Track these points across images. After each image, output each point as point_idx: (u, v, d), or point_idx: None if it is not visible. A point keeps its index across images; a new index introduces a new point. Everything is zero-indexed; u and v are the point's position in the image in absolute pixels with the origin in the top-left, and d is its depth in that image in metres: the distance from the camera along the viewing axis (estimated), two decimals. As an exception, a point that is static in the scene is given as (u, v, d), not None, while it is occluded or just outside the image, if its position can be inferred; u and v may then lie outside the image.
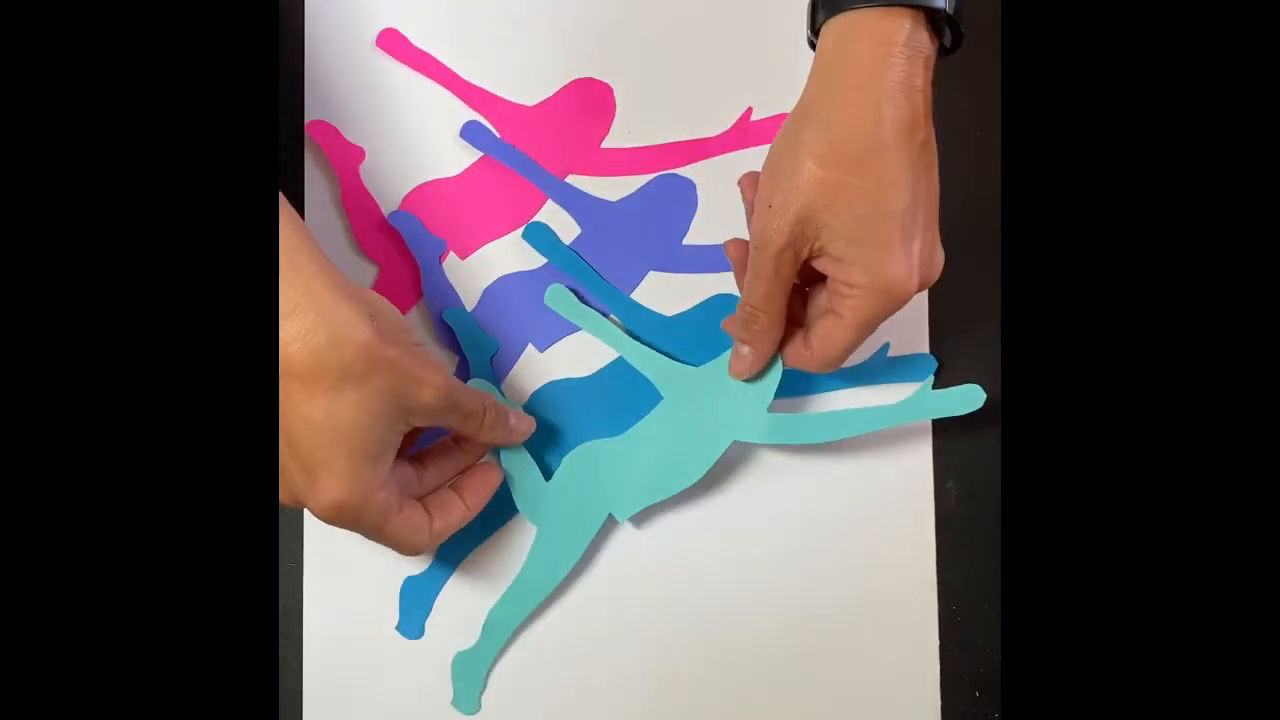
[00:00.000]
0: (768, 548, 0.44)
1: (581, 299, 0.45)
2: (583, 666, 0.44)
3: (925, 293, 0.44)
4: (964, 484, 0.44)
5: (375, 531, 0.37)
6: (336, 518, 0.35)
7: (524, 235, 0.45)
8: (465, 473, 0.41)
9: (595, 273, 0.45)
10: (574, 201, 0.45)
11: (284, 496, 0.36)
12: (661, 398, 0.44)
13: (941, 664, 0.44)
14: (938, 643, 0.44)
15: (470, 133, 0.45)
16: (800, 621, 0.44)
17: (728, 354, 0.42)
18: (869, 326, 0.38)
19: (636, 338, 0.45)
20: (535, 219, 0.45)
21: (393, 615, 0.44)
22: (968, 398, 0.42)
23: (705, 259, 0.45)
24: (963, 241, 0.45)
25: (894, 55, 0.35)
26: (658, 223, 0.45)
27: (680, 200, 0.46)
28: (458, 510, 0.40)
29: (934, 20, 0.36)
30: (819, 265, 0.38)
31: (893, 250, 0.36)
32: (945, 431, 0.44)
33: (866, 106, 0.36)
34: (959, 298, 0.45)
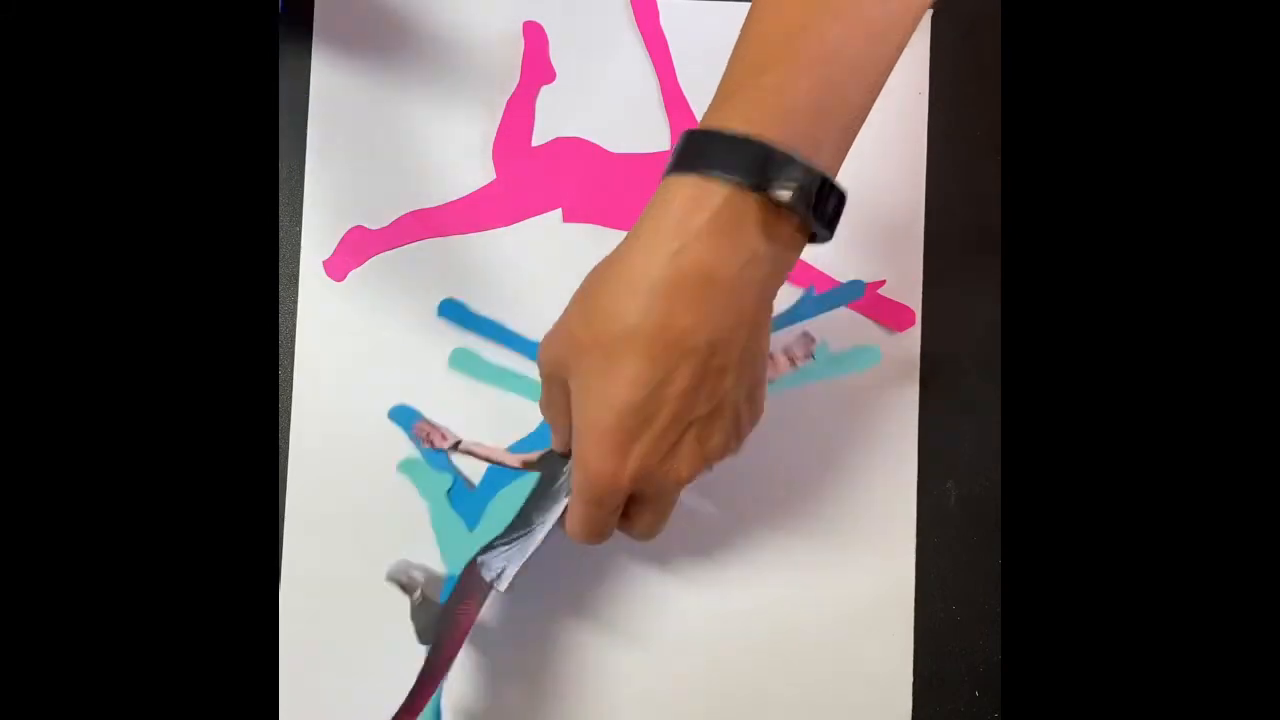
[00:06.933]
0: (766, 548, 0.44)
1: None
2: (576, 679, 0.44)
3: (921, 289, 0.44)
4: (964, 484, 0.44)
5: None
6: None
7: (438, 313, 0.45)
8: None
9: (518, 336, 0.45)
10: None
11: None
12: None
13: (942, 664, 0.44)
14: (937, 643, 0.44)
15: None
16: (797, 623, 0.44)
17: None
18: (581, 499, 0.34)
19: None
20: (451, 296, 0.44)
21: (381, 626, 0.43)
22: (867, 354, 0.44)
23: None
24: (963, 241, 0.45)
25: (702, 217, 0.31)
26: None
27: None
28: None
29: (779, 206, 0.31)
30: None
31: (602, 440, 0.33)
32: (945, 431, 0.44)
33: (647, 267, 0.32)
34: (959, 297, 0.45)
